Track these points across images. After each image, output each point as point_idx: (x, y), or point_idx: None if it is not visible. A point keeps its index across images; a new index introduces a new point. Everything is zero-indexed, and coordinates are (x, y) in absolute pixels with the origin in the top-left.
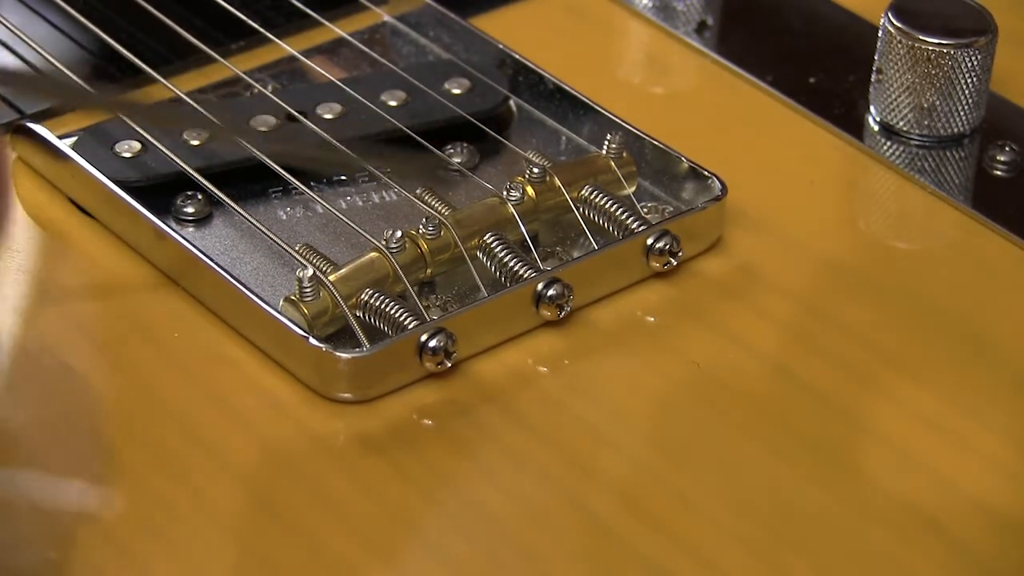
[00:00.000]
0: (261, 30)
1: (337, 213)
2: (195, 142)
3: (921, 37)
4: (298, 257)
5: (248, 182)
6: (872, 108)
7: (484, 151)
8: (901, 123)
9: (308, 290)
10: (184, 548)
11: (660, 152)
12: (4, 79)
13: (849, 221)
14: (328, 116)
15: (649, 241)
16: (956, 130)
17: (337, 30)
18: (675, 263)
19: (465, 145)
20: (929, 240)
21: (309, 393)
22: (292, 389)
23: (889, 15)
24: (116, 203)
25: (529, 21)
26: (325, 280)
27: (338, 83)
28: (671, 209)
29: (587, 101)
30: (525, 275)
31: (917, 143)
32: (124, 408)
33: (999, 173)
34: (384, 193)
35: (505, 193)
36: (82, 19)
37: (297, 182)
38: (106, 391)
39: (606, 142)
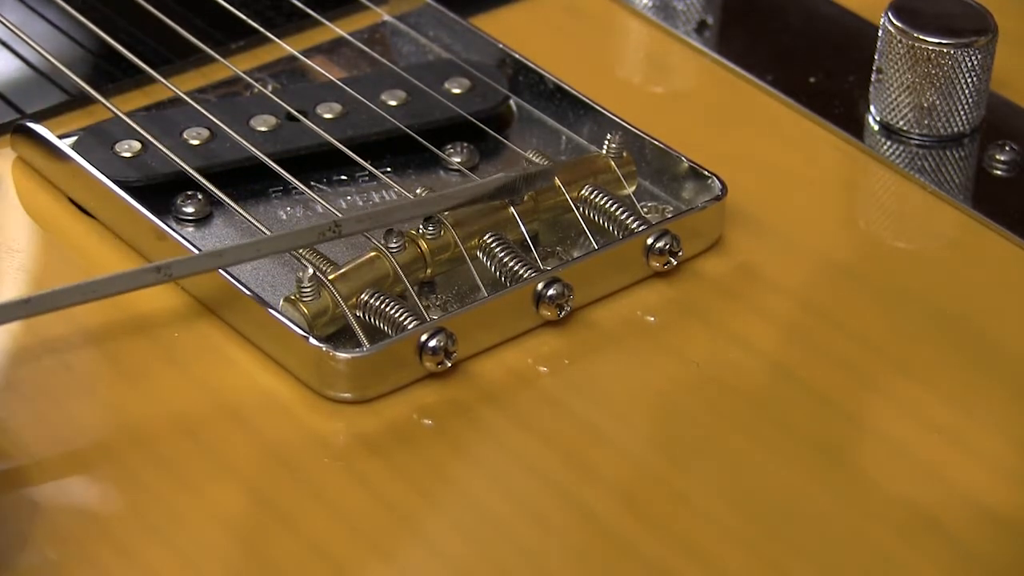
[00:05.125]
0: (261, 30)
1: (337, 213)
2: (195, 142)
3: (921, 37)
4: (298, 257)
5: (248, 182)
6: (872, 108)
7: (484, 151)
8: (901, 123)
9: (308, 290)
10: (184, 548)
11: (660, 152)
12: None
13: (849, 221)
14: (328, 116)
15: (649, 241)
16: (956, 130)
17: (337, 30)
18: (675, 263)
19: (465, 145)
20: (929, 240)
21: (309, 393)
22: (292, 389)
23: (889, 15)
24: (116, 203)
25: (529, 21)
26: (325, 280)
27: (338, 83)
28: (671, 209)
29: (587, 101)
30: (525, 275)
31: (917, 143)
32: (124, 408)
33: (999, 173)
34: (384, 193)
35: None
36: (82, 18)
37: (297, 182)
38: (106, 391)
39: (606, 142)
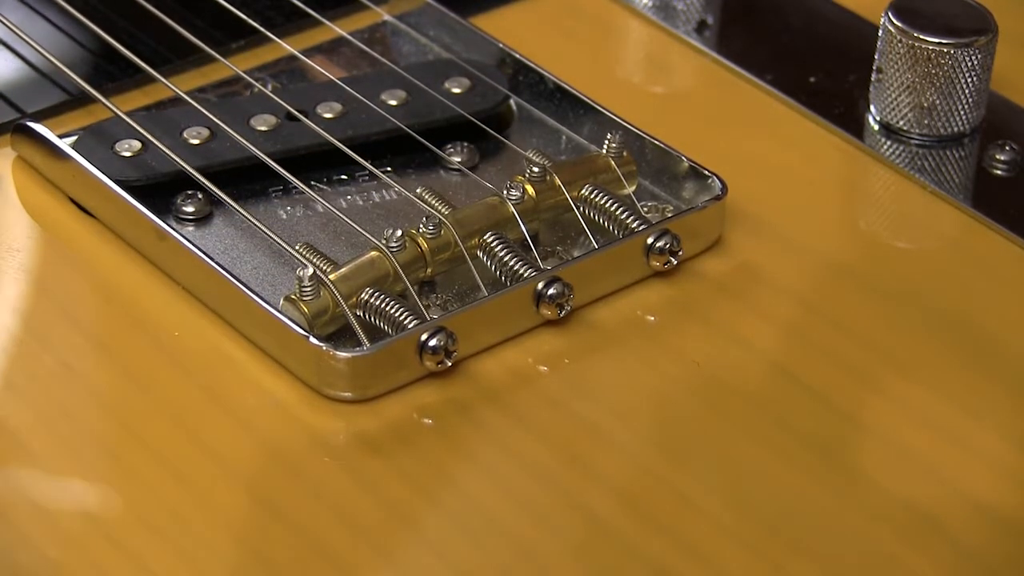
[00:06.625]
0: (261, 29)
1: (337, 212)
2: (195, 141)
3: (921, 37)
4: (298, 256)
5: (248, 181)
6: (872, 108)
7: (484, 150)
8: (901, 123)
9: (308, 289)
10: (184, 548)
11: (660, 151)
12: None
13: (849, 221)
14: (328, 115)
15: (649, 240)
16: (956, 129)
17: (337, 29)
18: (675, 262)
19: (465, 144)
20: (929, 240)
21: (309, 393)
22: (292, 389)
23: (889, 14)
24: (116, 202)
25: (529, 21)
26: (325, 279)
27: (338, 82)
28: (671, 208)
29: (587, 100)
30: (525, 274)
31: (917, 143)
32: (124, 408)
33: (999, 173)
34: (384, 192)
35: (505, 192)
36: (82, 18)
37: (297, 181)
38: (106, 391)
39: (606, 141)
